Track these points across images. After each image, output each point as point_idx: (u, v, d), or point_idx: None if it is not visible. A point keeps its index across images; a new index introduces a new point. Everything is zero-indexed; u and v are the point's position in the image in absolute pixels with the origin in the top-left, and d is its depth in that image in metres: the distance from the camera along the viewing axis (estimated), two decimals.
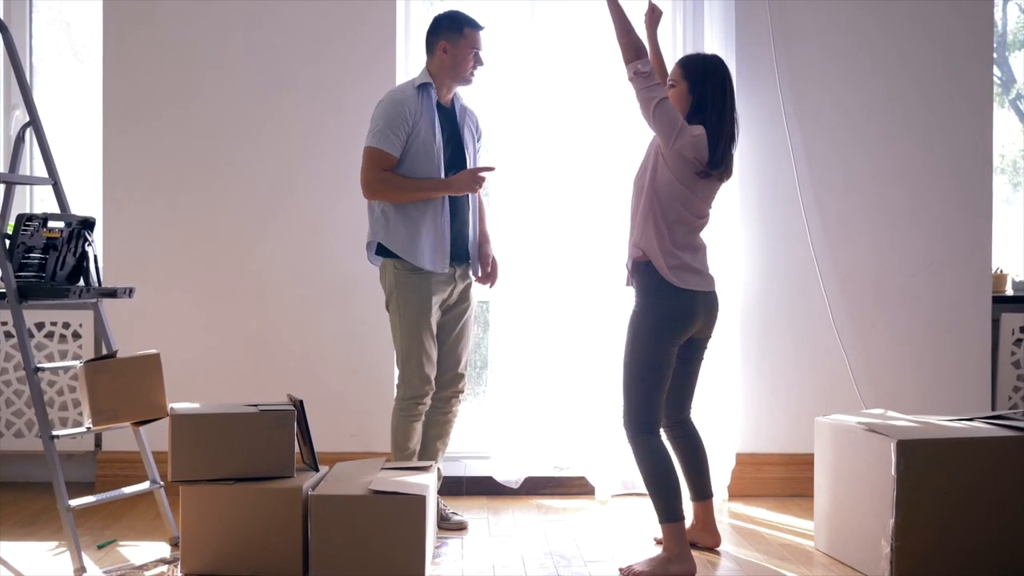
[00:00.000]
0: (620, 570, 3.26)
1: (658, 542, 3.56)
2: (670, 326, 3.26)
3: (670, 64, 3.76)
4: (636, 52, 3.25)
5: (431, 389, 3.61)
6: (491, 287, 3.85)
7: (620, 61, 4.02)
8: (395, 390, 3.66)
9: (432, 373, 3.60)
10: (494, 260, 3.81)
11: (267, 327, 4.26)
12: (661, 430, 3.41)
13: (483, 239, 3.79)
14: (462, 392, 3.76)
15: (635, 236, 3.32)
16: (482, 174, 3.55)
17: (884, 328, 4.33)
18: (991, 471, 3.15)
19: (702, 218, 3.35)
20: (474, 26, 3.60)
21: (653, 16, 3.67)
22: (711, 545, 3.53)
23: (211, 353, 4.25)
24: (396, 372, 4.20)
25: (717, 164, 3.25)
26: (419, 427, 3.64)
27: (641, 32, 3.48)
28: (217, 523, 3.12)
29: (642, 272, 3.29)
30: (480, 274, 3.77)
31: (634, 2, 4.16)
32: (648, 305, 3.28)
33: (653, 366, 3.26)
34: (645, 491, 4.13)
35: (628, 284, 3.41)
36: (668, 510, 3.25)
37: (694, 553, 3.34)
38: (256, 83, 4.26)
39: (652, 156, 3.31)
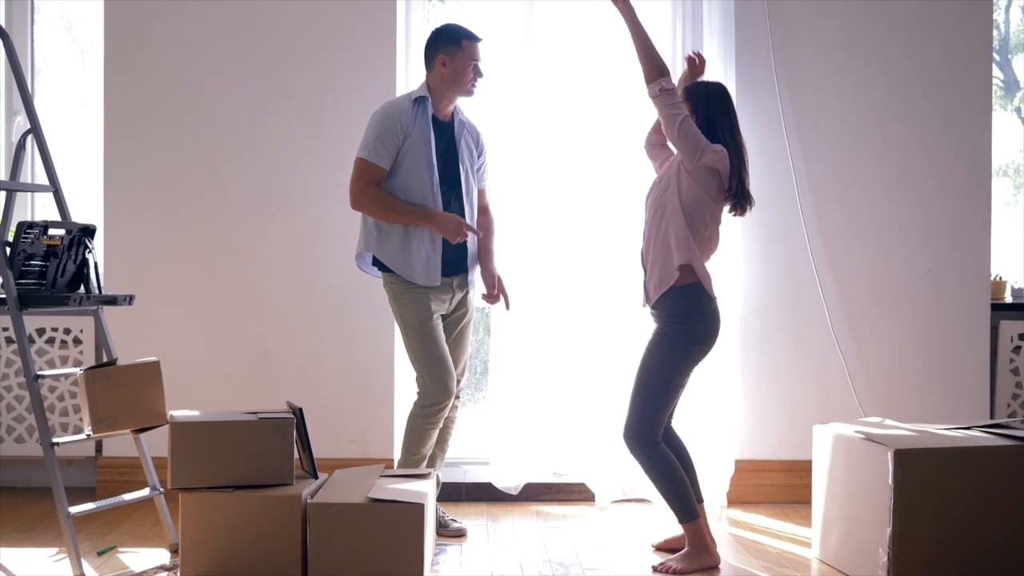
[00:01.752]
0: (654, 567, 3.36)
1: (657, 548, 3.59)
2: (708, 343, 3.37)
3: None
4: (660, 70, 3.30)
5: (451, 394, 3.59)
6: (507, 308, 3.80)
7: (621, 65, 4.05)
8: (415, 396, 3.64)
9: (450, 379, 3.57)
10: (500, 280, 3.75)
11: (266, 333, 4.27)
12: None
13: (486, 256, 3.74)
14: (458, 399, 3.76)
15: (676, 258, 3.31)
16: (467, 231, 3.54)
17: (883, 335, 4.34)
18: (989, 480, 3.16)
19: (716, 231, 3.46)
20: (472, 38, 3.60)
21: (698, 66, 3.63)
22: None
23: (210, 360, 4.26)
24: (395, 379, 4.25)
25: (737, 193, 3.37)
26: (435, 434, 3.64)
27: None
28: (217, 530, 3.13)
29: (685, 294, 3.32)
30: (485, 293, 3.74)
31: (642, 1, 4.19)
32: (690, 324, 3.33)
33: (679, 384, 3.40)
34: (645, 497, 4.22)
35: (650, 305, 3.43)
36: (686, 511, 3.38)
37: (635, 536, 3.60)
38: (257, 90, 4.27)
39: (674, 175, 3.35)
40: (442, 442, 3.74)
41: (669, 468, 3.37)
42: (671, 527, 3.82)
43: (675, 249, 3.31)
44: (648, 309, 3.48)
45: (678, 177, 3.34)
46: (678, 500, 3.37)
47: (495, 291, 3.73)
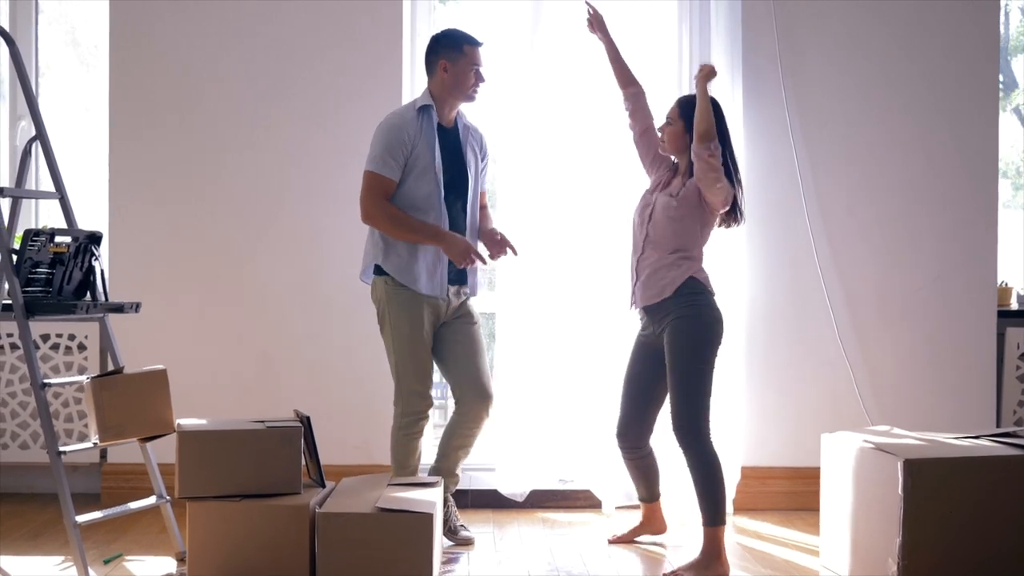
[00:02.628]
0: (665, 575, 3.35)
1: (614, 541, 3.76)
2: (721, 318, 3.45)
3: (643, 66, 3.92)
4: (714, 134, 3.37)
5: (429, 404, 3.61)
6: (516, 254, 3.72)
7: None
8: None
9: (428, 388, 3.59)
10: (502, 234, 3.70)
11: (270, 339, 4.26)
12: (625, 443, 3.65)
13: (483, 223, 3.73)
14: (490, 408, 3.70)
15: (687, 259, 3.44)
16: (475, 258, 3.53)
17: (889, 342, 4.33)
18: (998, 490, 3.15)
19: None
20: (473, 43, 3.59)
21: (596, 18, 3.77)
22: (658, 533, 3.79)
23: (214, 366, 4.25)
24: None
25: (741, 217, 3.55)
26: (419, 444, 3.64)
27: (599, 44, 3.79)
28: (224, 539, 3.11)
29: (690, 287, 3.42)
30: (489, 254, 3.68)
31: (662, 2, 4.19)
32: (703, 312, 3.41)
33: (713, 366, 3.43)
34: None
35: (650, 305, 3.48)
36: (717, 514, 3.38)
37: (642, 543, 3.76)
38: (262, 92, 4.26)
39: (694, 203, 3.44)
40: (466, 446, 3.71)
41: (715, 465, 3.38)
42: (671, 528, 3.83)
43: (689, 257, 3.45)
44: (639, 312, 3.56)
45: (699, 207, 3.45)
46: (713, 501, 3.38)
47: (498, 238, 3.68)
